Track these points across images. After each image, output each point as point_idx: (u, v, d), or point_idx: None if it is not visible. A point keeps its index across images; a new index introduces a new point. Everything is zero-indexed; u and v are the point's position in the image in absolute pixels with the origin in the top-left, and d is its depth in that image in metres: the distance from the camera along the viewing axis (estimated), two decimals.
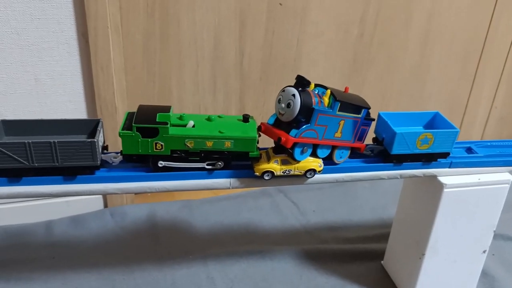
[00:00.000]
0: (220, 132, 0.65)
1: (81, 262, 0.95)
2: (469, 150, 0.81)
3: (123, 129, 0.64)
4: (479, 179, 0.77)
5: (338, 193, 1.23)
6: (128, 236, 1.04)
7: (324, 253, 1.01)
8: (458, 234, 0.81)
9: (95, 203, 1.10)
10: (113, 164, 0.67)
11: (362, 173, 0.73)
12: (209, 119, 0.67)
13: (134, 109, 0.70)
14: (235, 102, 1.18)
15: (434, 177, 0.77)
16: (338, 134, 0.69)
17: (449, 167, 0.76)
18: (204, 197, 1.19)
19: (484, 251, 0.85)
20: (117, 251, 0.99)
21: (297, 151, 0.66)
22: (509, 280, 0.96)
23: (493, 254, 1.02)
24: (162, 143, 0.64)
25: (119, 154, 0.67)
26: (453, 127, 0.73)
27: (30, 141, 0.59)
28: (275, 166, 0.67)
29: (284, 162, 0.68)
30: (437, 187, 0.76)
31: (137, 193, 1.08)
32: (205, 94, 1.14)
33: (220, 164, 0.67)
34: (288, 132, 0.65)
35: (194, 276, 0.93)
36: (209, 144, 0.65)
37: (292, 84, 0.66)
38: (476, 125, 1.49)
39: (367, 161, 0.74)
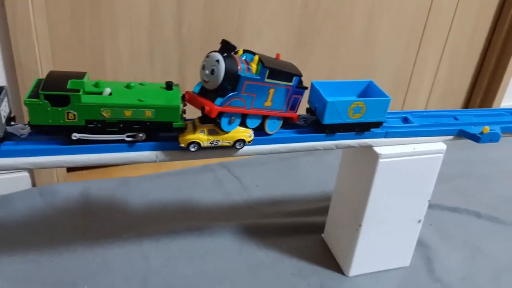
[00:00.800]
0: (139, 100, 0.60)
1: (4, 245, 0.88)
2: (405, 120, 0.80)
3: (29, 97, 0.57)
4: (414, 148, 0.76)
5: (282, 167, 1.21)
6: (58, 216, 0.97)
7: (265, 227, 0.99)
8: (394, 204, 0.81)
9: (21, 182, 1.03)
10: (22, 136, 0.60)
11: (296, 144, 0.71)
12: (128, 86, 0.62)
13: None
14: (174, 74, 1.12)
15: (370, 148, 0.75)
16: (268, 103, 0.65)
17: (385, 137, 0.75)
18: (143, 174, 1.13)
19: (419, 221, 0.85)
20: (45, 232, 0.93)
21: (224, 121, 0.62)
22: (444, 249, 0.97)
23: (430, 224, 1.04)
24: (75, 113, 0.58)
25: (27, 125, 0.61)
26: (385, 96, 0.71)
27: None
28: (202, 137, 0.63)
29: (211, 132, 0.64)
30: (372, 157, 0.75)
31: (51, 168, 1.00)
32: (142, 65, 1.08)
33: (142, 135, 0.62)
34: (213, 101, 0.61)
35: (127, 255, 0.88)
36: (128, 113, 0.60)
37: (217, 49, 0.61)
38: (420, 99, 1.50)
39: (301, 131, 0.72)
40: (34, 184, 1.04)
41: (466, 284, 0.90)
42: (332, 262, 0.91)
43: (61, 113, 0.58)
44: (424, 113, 0.81)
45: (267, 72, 0.62)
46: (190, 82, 1.14)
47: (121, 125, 0.61)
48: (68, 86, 0.58)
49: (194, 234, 0.95)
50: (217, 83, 0.60)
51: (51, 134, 0.61)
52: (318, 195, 1.11)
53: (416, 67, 1.42)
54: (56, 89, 0.57)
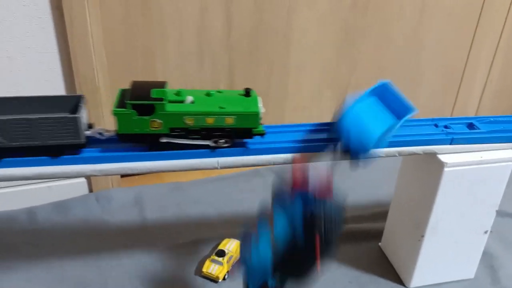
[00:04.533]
0: (220, 107, 0.61)
1: (65, 249, 0.90)
2: (470, 126, 0.76)
3: (116, 107, 0.59)
4: (481, 157, 0.73)
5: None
6: (115, 221, 0.99)
7: None
8: (459, 215, 0.78)
9: (79, 188, 1.05)
10: (101, 138, 0.63)
11: None
12: (208, 94, 0.63)
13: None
14: (223, 77, 1.12)
15: (434, 155, 0.73)
16: None
17: (450, 144, 0.72)
18: (194, 179, 1.14)
19: (486, 232, 0.82)
20: (103, 237, 0.94)
21: None
22: (508, 257, 0.93)
23: (491, 231, 0.99)
24: (160, 121, 0.60)
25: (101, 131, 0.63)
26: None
27: (6, 118, 0.55)
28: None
29: None
30: (437, 166, 0.72)
31: (137, 174, 1.02)
32: (191, 68, 1.08)
33: (222, 141, 0.63)
34: None
35: (183, 259, 0.89)
36: (210, 121, 0.61)
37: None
38: (472, 98, 1.44)
39: None
40: (91, 190, 1.07)
41: None
42: (390, 272, 0.88)
43: (146, 121, 0.60)
44: (492, 119, 0.78)
45: None
46: (239, 85, 1.14)
47: (203, 132, 0.62)
48: (152, 95, 0.59)
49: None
50: None
51: (135, 142, 0.62)
52: (373, 201, 1.09)
53: (468, 66, 1.37)
54: (142, 99, 0.59)
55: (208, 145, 0.63)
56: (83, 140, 0.59)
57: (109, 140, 0.63)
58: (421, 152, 0.72)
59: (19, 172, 0.59)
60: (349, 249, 0.94)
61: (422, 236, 0.78)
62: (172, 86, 1.07)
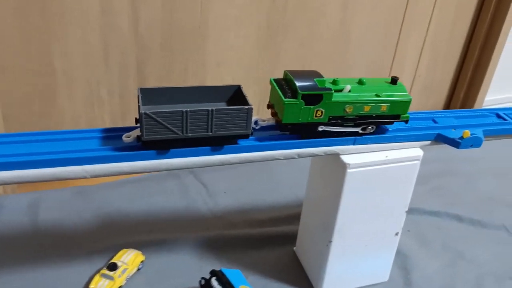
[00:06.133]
0: (376, 95, 0.63)
1: None
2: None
3: (285, 98, 0.60)
4: (386, 156, 0.69)
5: (253, 172, 1.14)
6: (5, 232, 0.88)
7: (231, 239, 0.91)
8: (367, 217, 0.73)
9: None
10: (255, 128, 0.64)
11: (250, 154, 0.63)
12: (360, 82, 0.65)
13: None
14: (132, 75, 1.03)
15: (337, 156, 0.68)
16: None
17: (354, 144, 0.67)
18: (102, 182, 1.05)
19: (397, 234, 0.78)
20: None
21: None
22: (423, 257, 0.91)
23: (408, 230, 0.97)
24: (323, 110, 0.62)
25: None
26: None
27: (188, 109, 0.55)
28: None
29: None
30: (340, 167, 0.67)
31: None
32: (96, 66, 0.98)
33: (371, 128, 0.66)
34: None
35: (77, 274, 0.80)
36: (367, 108, 0.63)
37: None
38: None
39: (260, 138, 0.64)
40: None
41: None
42: (303, 278, 0.83)
43: (312, 111, 0.61)
44: None
45: None
46: (151, 83, 1.05)
47: (357, 119, 0.64)
48: (320, 85, 0.61)
49: (152, 248, 0.87)
50: None
51: (292, 131, 0.64)
52: (291, 202, 1.04)
53: (396, 61, 1.35)
54: (312, 89, 0.60)
55: (357, 132, 0.66)
56: (250, 131, 0.60)
57: (261, 129, 0.65)
58: (323, 154, 0.66)
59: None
60: (261, 255, 0.88)
61: (330, 241, 0.74)
62: (77, 86, 0.98)
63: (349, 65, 1.27)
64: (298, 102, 0.60)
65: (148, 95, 0.60)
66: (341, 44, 1.23)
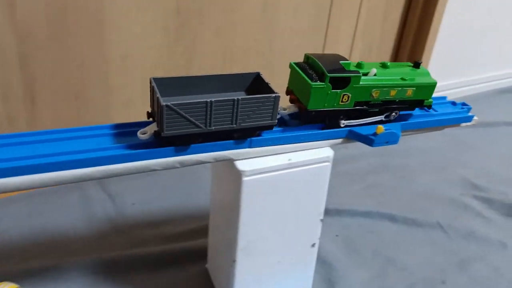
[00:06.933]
0: (402, 79, 0.61)
1: None
2: (282, 122, 0.62)
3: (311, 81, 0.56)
4: (289, 159, 0.58)
5: (170, 179, 1.01)
6: None
7: (135, 259, 0.79)
8: (276, 231, 0.63)
9: None
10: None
11: (114, 166, 0.51)
12: (384, 66, 0.62)
13: None
14: (15, 71, 0.88)
15: (231, 162, 0.57)
16: None
17: (250, 147, 0.57)
18: None
19: (313, 245, 0.69)
20: None
21: None
22: (350, 266, 0.82)
23: (337, 235, 0.88)
24: (349, 95, 0.58)
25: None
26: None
27: (213, 99, 0.51)
28: None
29: None
30: (235, 175, 0.56)
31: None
32: None
33: (395, 114, 0.63)
34: None
35: None
36: (393, 93, 0.60)
37: None
38: None
39: (131, 146, 0.52)
40: None
41: None
42: None
43: (338, 96, 0.57)
44: None
45: None
46: (40, 80, 0.91)
47: (381, 105, 0.61)
48: (347, 68, 0.57)
49: (32, 280, 0.73)
50: None
51: (314, 121, 0.60)
52: (196, 212, 0.93)
53: (327, 49, 1.26)
54: (340, 72, 0.56)
55: (381, 120, 0.62)
56: (275, 122, 0.55)
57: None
58: (213, 160, 0.55)
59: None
60: (172, 275, 0.77)
61: (234, 260, 0.63)
62: None
63: (275, 56, 1.17)
64: (325, 86, 0.56)
65: (160, 86, 0.53)
66: (266, 33, 1.13)
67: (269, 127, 0.55)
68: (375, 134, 0.59)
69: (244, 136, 0.55)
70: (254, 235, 0.61)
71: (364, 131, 0.60)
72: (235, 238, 0.61)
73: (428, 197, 1.04)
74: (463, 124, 0.71)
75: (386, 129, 0.59)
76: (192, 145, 0.53)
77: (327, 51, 1.26)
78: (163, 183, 1.00)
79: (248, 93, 0.59)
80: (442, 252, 0.87)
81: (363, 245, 0.87)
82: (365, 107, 0.60)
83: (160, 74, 1.02)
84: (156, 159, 0.53)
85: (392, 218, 0.95)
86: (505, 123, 1.42)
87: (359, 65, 0.61)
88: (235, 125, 0.53)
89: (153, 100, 0.52)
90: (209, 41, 1.06)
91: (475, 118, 0.70)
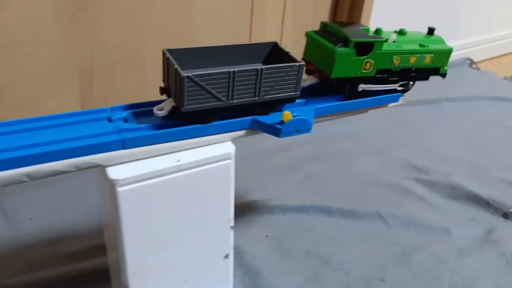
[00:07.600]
0: (421, 45, 0.59)
1: None
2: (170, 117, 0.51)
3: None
4: (178, 160, 0.47)
5: (70, 188, 0.88)
6: None
7: (28, 285, 0.67)
8: (176, 247, 0.52)
9: None
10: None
11: None
12: (401, 32, 0.60)
13: None
14: None
15: (102, 169, 0.45)
16: None
17: (124, 148, 0.45)
18: None
19: (227, 256, 0.58)
20: None
21: None
22: (280, 272, 0.72)
23: (266, 236, 0.79)
24: (372, 62, 0.56)
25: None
26: None
27: (236, 69, 0.46)
28: None
29: None
30: (109, 185, 0.45)
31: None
32: None
33: (412, 84, 0.61)
34: None
35: None
36: (413, 60, 0.59)
37: None
38: None
39: None
40: None
41: None
42: None
43: (361, 62, 0.55)
44: None
45: None
46: None
47: (400, 73, 0.59)
48: (369, 34, 0.56)
49: None
50: None
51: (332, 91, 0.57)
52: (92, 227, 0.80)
53: (254, 31, 1.16)
54: (364, 37, 0.54)
55: (396, 89, 0.61)
56: (299, 93, 0.52)
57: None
58: (74, 169, 0.44)
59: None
60: None
61: (127, 286, 0.52)
62: None
63: (194, 40, 1.06)
64: (349, 51, 0.54)
65: (175, 57, 0.47)
66: (182, 17, 1.01)
67: (292, 100, 0.52)
68: (281, 122, 0.49)
69: (265, 111, 0.51)
70: (146, 255, 0.50)
71: (269, 120, 0.50)
72: (124, 261, 0.49)
73: (368, 184, 0.96)
74: (391, 105, 0.62)
75: (294, 116, 0.49)
76: (50, 151, 0.42)
77: (254, 33, 1.16)
78: (62, 194, 0.87)
79: (265, 64, 0.54)
80: (381, 246, 0.80)
81: (296, 245, 0.78)
82: (385, 75, 0.58)
83: (60, 64, 0.89)
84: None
85: (329, 212, 0.87)
86: (446, 99, 1.37)
87: (377, 32, 0.58)
88: (258, 98, 0.50)
89: (169, 73, 0.47)
90: (113, 24, 0.93)
91: (402, 97, 0.62)
